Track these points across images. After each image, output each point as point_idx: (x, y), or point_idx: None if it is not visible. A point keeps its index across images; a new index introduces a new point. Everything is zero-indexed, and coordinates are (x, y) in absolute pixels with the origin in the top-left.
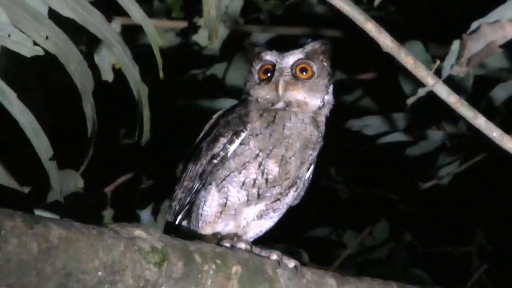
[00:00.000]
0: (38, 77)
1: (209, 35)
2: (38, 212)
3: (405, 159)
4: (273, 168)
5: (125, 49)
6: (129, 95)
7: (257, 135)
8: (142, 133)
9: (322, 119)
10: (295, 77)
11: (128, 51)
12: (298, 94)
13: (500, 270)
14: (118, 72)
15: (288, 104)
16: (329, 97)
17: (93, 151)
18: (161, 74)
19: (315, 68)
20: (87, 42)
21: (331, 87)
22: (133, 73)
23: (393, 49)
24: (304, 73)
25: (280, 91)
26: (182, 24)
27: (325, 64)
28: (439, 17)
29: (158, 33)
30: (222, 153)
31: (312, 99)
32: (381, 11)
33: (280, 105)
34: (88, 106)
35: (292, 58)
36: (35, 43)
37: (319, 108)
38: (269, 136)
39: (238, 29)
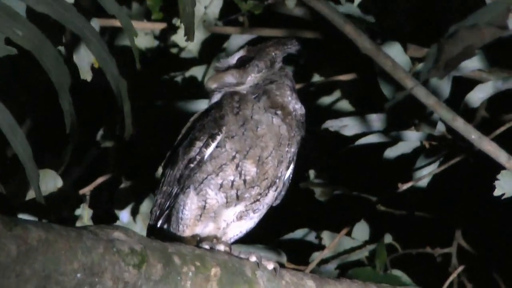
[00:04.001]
0: (15, 76)
1: (186, 32)
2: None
3: (384, 160)
4: (250, 168)
5: (102, 43)
6: (108, 96)
7: (232, 137)
8: (124, 129)
9: (277, 100)
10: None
11: (105, 46)
12: (227, 79)
13: (479, 271)
14: (97, 74)
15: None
16: (252, 79)
17: (73, 151)
18: (138, 65)
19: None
20: (66, 42)
21: (271, 71)
22: (111, 68)
23: (371, 51)
24: None
25: (207, 83)
26: (161, 26)
27: (273, 53)
28: (419, 19)
29: (138, 35)
30: (198, 157)
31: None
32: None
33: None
34: (66, 102)
35: (235, 56)
36: (10, 40)
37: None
38: (243, 136)
39: (217, 31)
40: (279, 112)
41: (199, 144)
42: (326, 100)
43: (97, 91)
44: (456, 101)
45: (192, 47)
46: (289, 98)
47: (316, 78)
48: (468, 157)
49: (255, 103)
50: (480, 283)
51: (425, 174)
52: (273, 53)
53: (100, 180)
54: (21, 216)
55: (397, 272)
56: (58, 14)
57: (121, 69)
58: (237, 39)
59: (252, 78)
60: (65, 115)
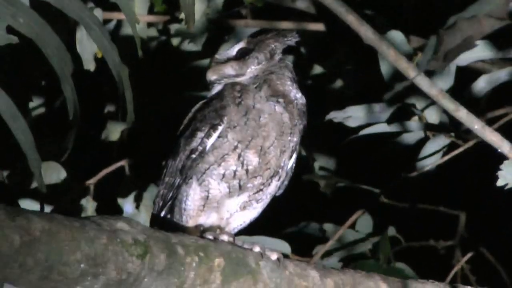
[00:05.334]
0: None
1: (186, 19)
2: (21, 201)
3: (387, 151)
4: (252, 158)
5: (103, 31)
6: (113, 87)
7: (234, 127)
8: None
9: (278, 89)
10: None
11: (107, 33)
12: (226, 71)
13: (483, 263)
14: (103, 66)
15: (220, 79)
16: (252, 70)
17: (78, 143)
18: (139, 52)
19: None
20: (69, 33)
21: (271, 63)
22: (112, 55)
23: (374, 42)
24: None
25: (207, 74)
26: (165, 19)
27: (273, 45)
28: (421, 10)
29: (141, 28)
30: (200, 148)
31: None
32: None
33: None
34: (68, 89)
35: (235, 48)
36: (11, 28)
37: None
38: (245, 125)
39: (221, 23)
40: (280, 100)
41: (200, 134)
42: (328, 90)
43: (101, 83)
44: (460, 91)
45: (195, 40)
46: (290, 87)
47: (318, 69)
48: (472, 147)
49: (256, 92)
50: (483, 276)
51: (428, 164)
52: (272, 45)
53: (104, 172)
54: (24, 204)
55: (400, 265)
56: (59, 1)
57: (125, 63)
58: (241, 32)
59: (251, 70)
60: (67, 101)
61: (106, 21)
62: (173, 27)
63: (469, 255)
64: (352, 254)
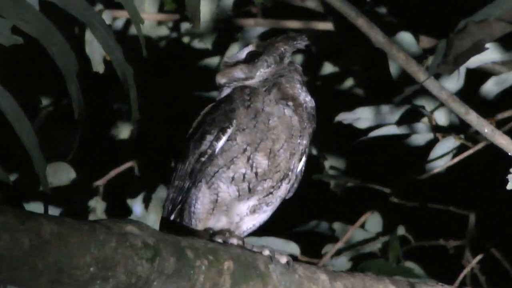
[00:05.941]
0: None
1: (192, 19)
2: (29, 204)
3: (397, 152)
4: (261, 161)
5: (108, 31)
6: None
7: (243, 130)
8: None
9: (288, 92)
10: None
11: (111, 33)
12: (236, 74)
13: (493, 263)
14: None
15: (229, 82)
16: (261, 74)
17: (88, 144)
18: (144, 52)
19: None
20: (78, 35)
21: (281, 66)
22: (117, 54)
23: (384, 45)
24: None
25: (217, 78)
26: (174, 17)
27: (282, 48)
28: (431, 10)
29: (150, 26)
30: (209, 151)
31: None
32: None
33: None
34: (73, 88)
35: (245, 51)
36: (16, 28)
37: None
38: (254, 128)
39: (231, 23)
40: (290, 103)
41: (209, 138)
42: (338, 90)
43: (111, 83)
44: (469, 92)
45: (205, 39)
46: (299, 91)
47: (327, 69)
48: (482, 149)
49: (265, 95)
50: (493, 275)
51: (438, 167)
52: (282, 48)
53: (113, 172)
54: (32, 206)
55: (410, 264)
56: (64, 2)
57: (134, 62)
58: (251, 31)
59: (261, 73)
60: (72, 100)
61: (115, 20)
62: (183, 26)
63: (479, 256)
64: (361, 253)
